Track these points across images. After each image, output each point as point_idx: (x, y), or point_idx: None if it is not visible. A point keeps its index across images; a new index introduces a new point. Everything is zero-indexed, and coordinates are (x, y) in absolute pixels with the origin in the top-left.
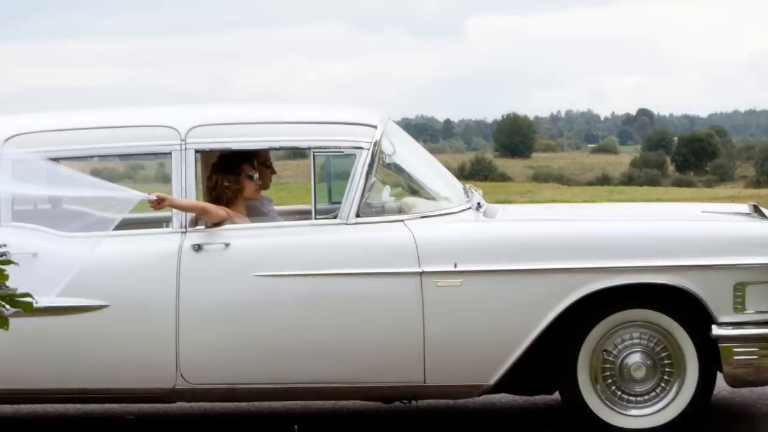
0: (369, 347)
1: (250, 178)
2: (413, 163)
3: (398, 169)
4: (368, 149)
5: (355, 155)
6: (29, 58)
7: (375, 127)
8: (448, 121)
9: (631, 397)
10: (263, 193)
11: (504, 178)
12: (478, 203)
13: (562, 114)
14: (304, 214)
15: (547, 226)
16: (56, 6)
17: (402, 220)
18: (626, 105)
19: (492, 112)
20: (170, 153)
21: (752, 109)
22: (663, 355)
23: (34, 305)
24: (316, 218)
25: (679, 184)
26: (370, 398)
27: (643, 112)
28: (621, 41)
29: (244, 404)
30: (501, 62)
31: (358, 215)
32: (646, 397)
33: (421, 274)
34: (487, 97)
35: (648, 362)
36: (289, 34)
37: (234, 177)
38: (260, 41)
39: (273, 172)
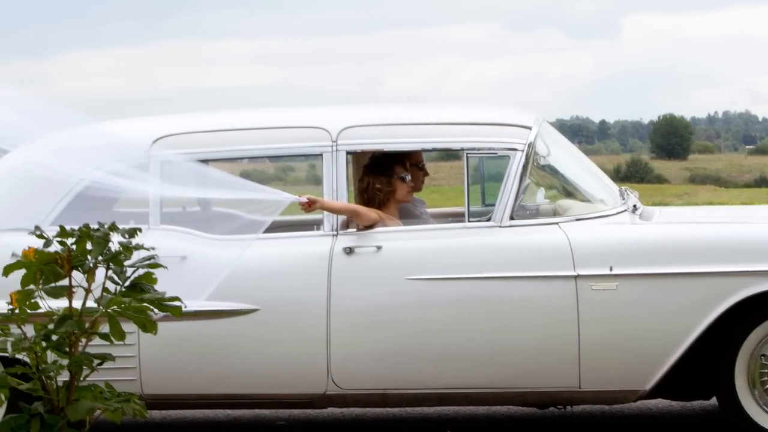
0: (523, 352)
1: (403, 179)
2: (568, 164)
3: (553, 171)
4: (522, 151)
5: (509, 157)
6: (177, 58)
7: (529, 128)
8: (603, 122)
9: None
10: (415, 195)
11: (660, 180)
12: (634, 206)
13: (720, 115)
14: (457, 217)
15: (705, 228)
16: (205, 5)
17: (557, 223)
18: None
19: (648, 112)
20: (321, 154)
21: None
22: None
23: (183, 309)
24: (469, 221)
25: None
26: (525, 404)
27: None
28: None
29: (395, 410)
30: (656, 62)
31: (512, 218)
32: None
33: (576, 277)
34: (643, 98)
35: None
36: (442, 34)
37: (386, 179)
38: (413, 41)
39: (425, 173)
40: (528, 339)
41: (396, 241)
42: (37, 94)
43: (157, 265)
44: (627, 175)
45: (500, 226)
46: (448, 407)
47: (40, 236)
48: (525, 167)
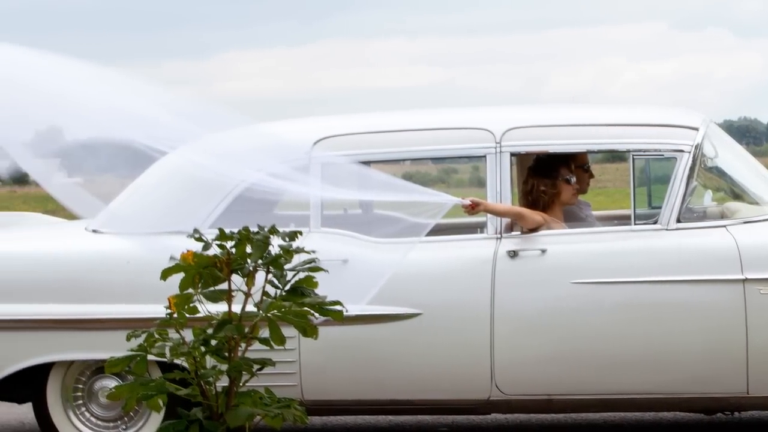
0: (690, 357)
1: (568, 182)
2: (735, 166)
3: (720, 173)
4: (689, 152)
5: (675, 158)
6: (337, 58)
7: (696, 129)
8: None
9: None
10: (581, 197)
11: None
12: None
13: None
14: (623, 220)
15: None
16: (364, 5)
17: (724, 226)
18: None
19: None
20: (485, 156)
21: None
22: None
23: (344, 314)
24: (635, 223)
25: None
26: (691, 409)
27: None
28: None
29: (560, 416)
30: None
31: (678, 221)
32: None
33: (744, 281)
34: None
35: None
36: (607, 34)
37: (551, 181)
38: (577, 41)
39: (591, 175)
40: (695, 343)
41: (561, 244)
42: (194, 95)
43: (317, 269)
44: None
45: (667, 229)
46: (613, 413)
47: (199, 239)
48: (692, 169)
